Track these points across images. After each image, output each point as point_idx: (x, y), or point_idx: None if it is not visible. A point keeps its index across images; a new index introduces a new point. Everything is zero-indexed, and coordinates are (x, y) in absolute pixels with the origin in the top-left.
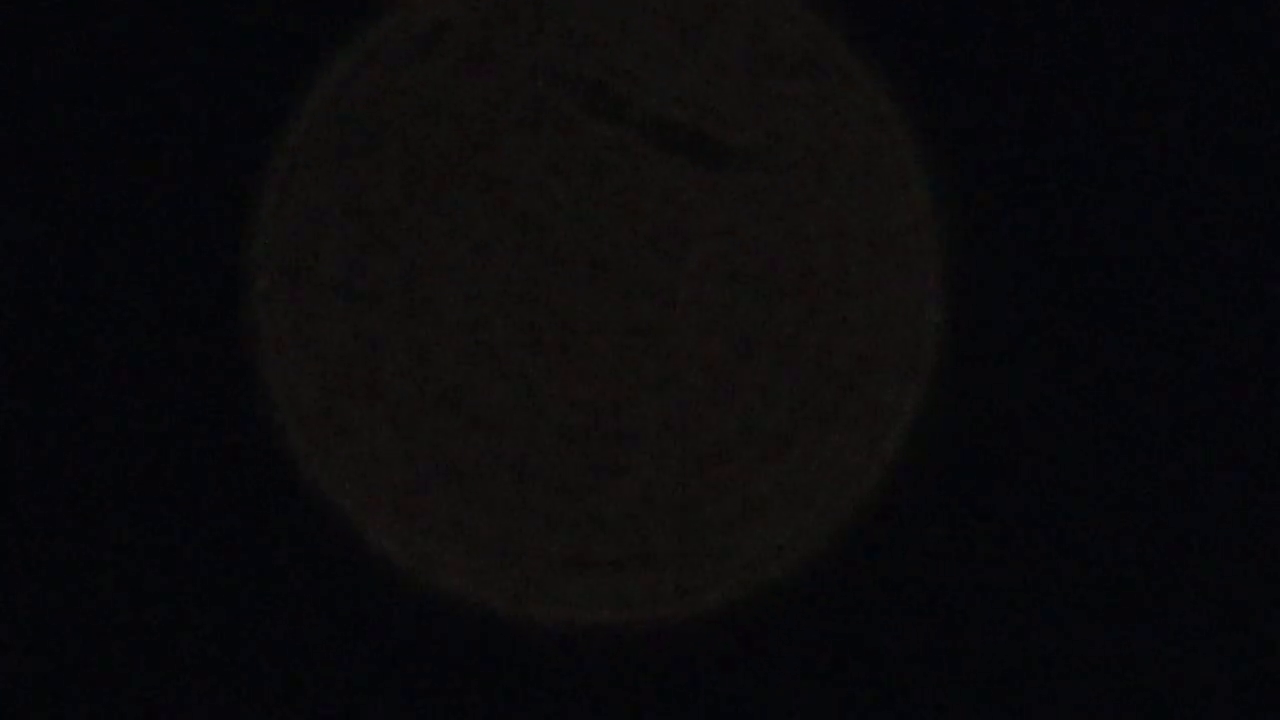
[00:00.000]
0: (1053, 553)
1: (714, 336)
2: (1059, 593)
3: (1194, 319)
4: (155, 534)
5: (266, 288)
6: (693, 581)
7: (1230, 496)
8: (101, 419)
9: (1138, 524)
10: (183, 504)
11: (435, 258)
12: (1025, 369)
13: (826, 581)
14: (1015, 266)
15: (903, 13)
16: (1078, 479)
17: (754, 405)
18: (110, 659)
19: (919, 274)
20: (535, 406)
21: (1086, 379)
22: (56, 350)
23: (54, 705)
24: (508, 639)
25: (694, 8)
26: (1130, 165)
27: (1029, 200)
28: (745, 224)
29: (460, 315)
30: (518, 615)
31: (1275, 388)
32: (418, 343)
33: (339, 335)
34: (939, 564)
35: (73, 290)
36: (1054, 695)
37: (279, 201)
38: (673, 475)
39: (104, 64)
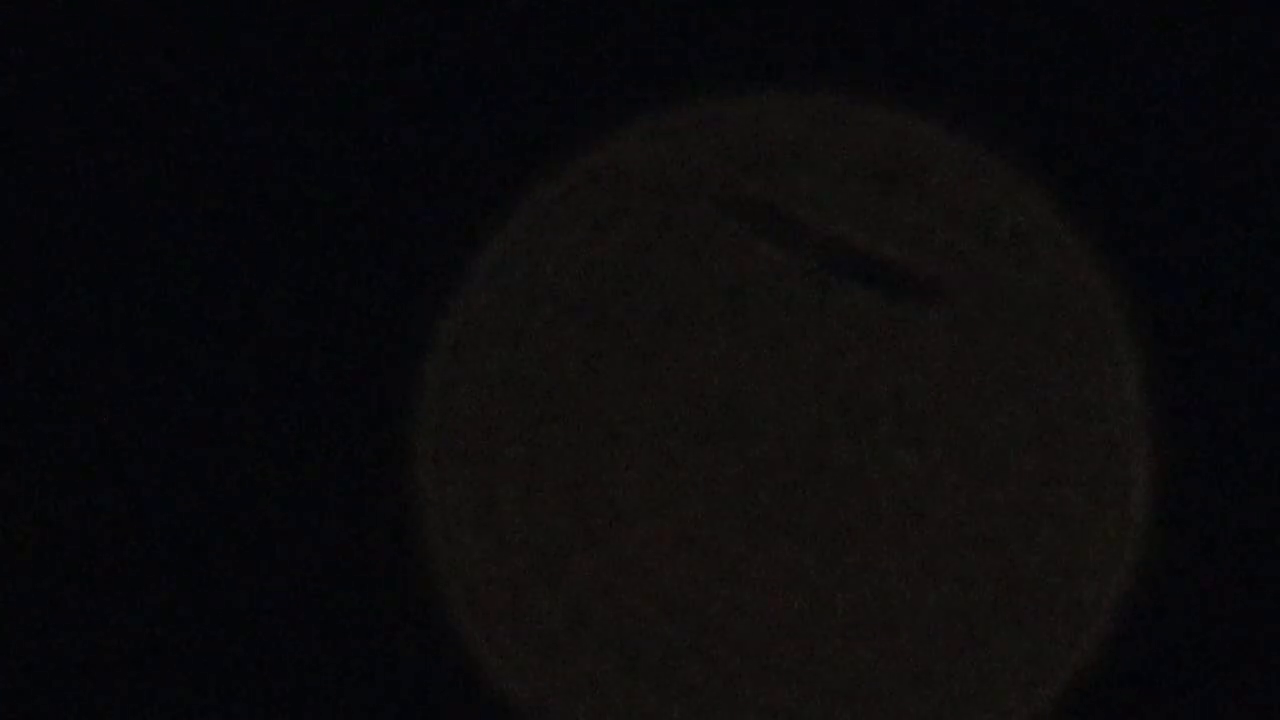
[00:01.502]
0: None
1: (911, 507)
2: None
3: None
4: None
5: (437, 466)
6: None
7: None
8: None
9: None
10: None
11: (613, 432)
12: (1243, 566)
13: None
14: (1231, 454)
15: (1119, 191)
16: None
17: (946, 595)
18: None
19: (1124, 458)
20: (728, 596)
21: None
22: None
23: None
24: None
25: (888, 163)
26: None
27: (1248, 388)
28: (937, 376)
29: (642, 495)
30: None
31: None
32: (596, 525)
33: (514, 518)
34: None
35: (233, 468)
36: None
37: (448, 377)
38: (863, 669)
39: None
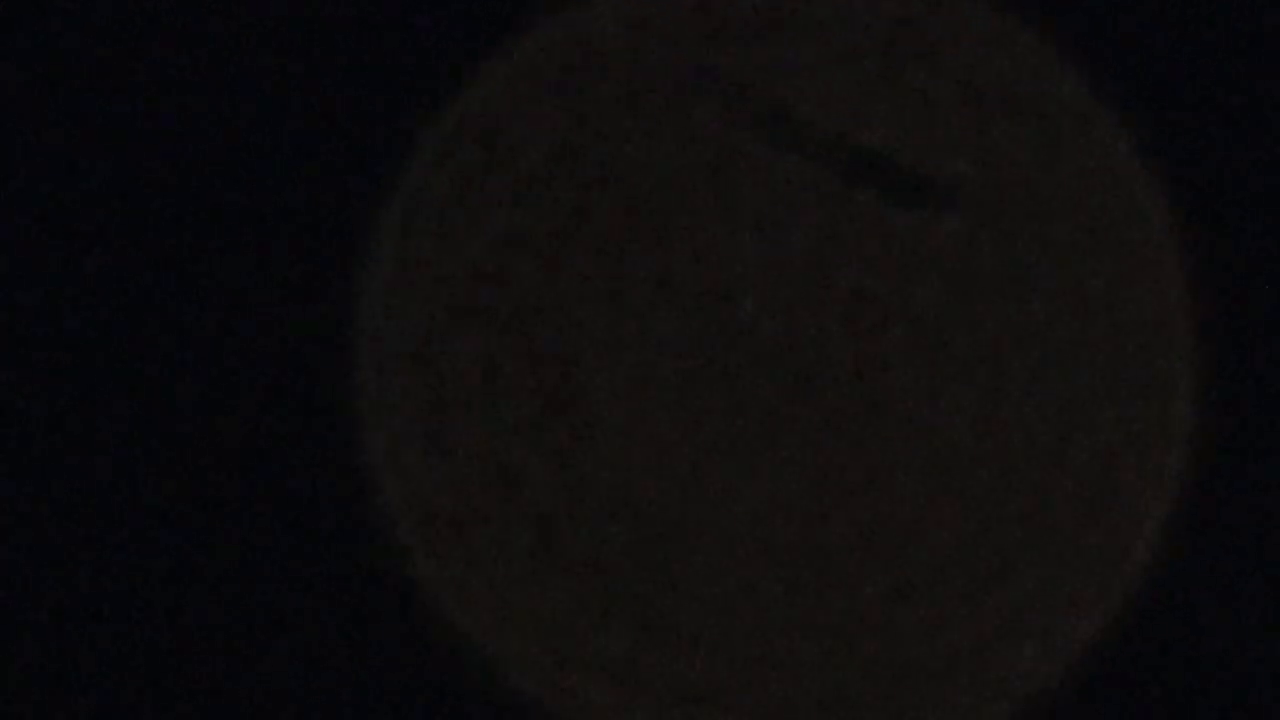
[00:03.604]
0: None
1: (925, 426)
2: None
3: None
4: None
5: (382, 372)
6: None
7: None
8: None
9: None
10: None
11: (581, 332)
12: None
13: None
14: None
15: (1149, 52)
16: None
17: (973, 518)
18: None
19: (1165, 374)
20: (714, 519)
21: None
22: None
23: None
24: None
25: (898, 34)
26: None
27: None
28: (956, 279)
29: (620, 404)
30: None
31: None
32: (562, 438)
33: (470, 431)
34: (1186, 688)
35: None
36: None
37: (394, 268)
38: (880, 607)
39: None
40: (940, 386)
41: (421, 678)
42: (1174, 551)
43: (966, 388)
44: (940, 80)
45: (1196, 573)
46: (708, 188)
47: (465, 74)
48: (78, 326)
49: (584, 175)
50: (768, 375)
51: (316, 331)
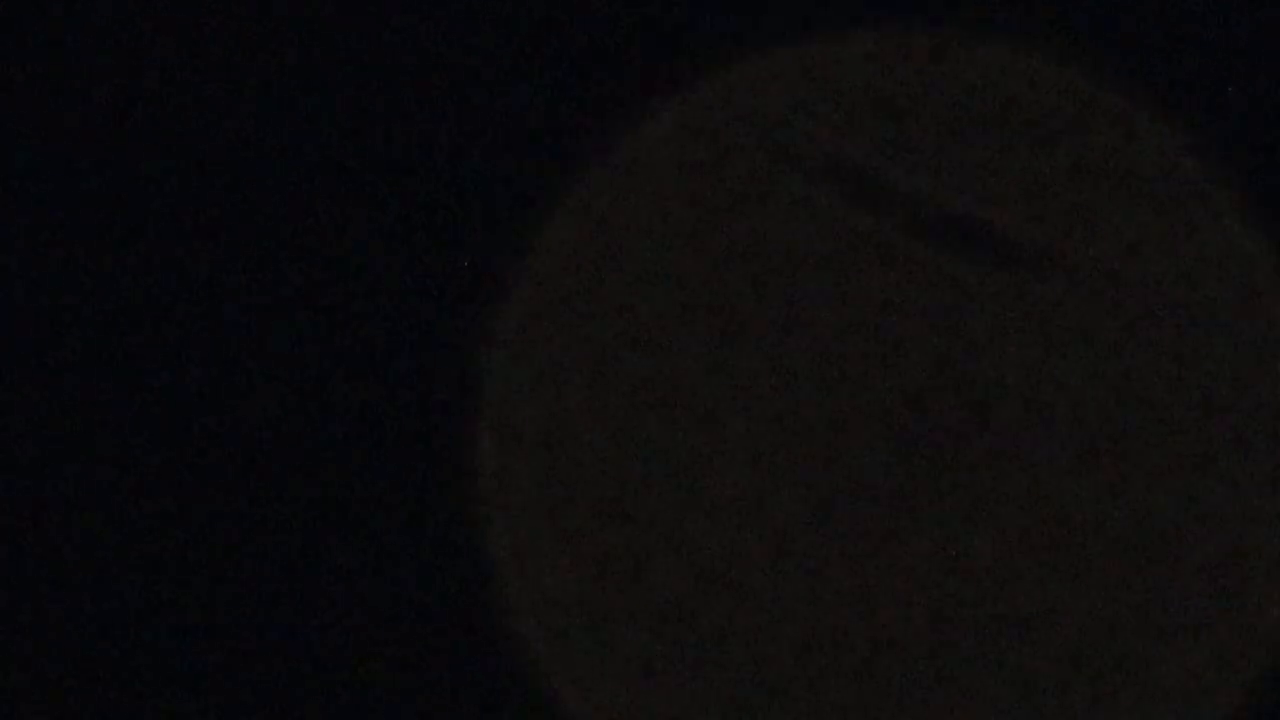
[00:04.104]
0: None
1: (1049, 513)
2: None
3: None
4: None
5: (501, 456)
6: None
7: None
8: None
9: None
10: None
11: (697, 417)
12: None
13: None
14: None
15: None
16: None
17: (1088, 608)
18: None
19: None
20: (838, 611)
21: None
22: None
23: None
24: None
25: (1010, 104)
26: None
27: None
28: (1079, 357)
29: (732, 492)
30: None
31: None
32: (679, 526)
33: (586, 515)
34: None
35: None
36: None
37: (515, 357)
38: (1004, 689)
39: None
40: (1060, 462)
41: None
42: None
43: (1092, 471)
44: (1052, 157)
45: None
46: (824, 268)
47: (586, 158)
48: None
49: (700, 255)
50: (887, 460)
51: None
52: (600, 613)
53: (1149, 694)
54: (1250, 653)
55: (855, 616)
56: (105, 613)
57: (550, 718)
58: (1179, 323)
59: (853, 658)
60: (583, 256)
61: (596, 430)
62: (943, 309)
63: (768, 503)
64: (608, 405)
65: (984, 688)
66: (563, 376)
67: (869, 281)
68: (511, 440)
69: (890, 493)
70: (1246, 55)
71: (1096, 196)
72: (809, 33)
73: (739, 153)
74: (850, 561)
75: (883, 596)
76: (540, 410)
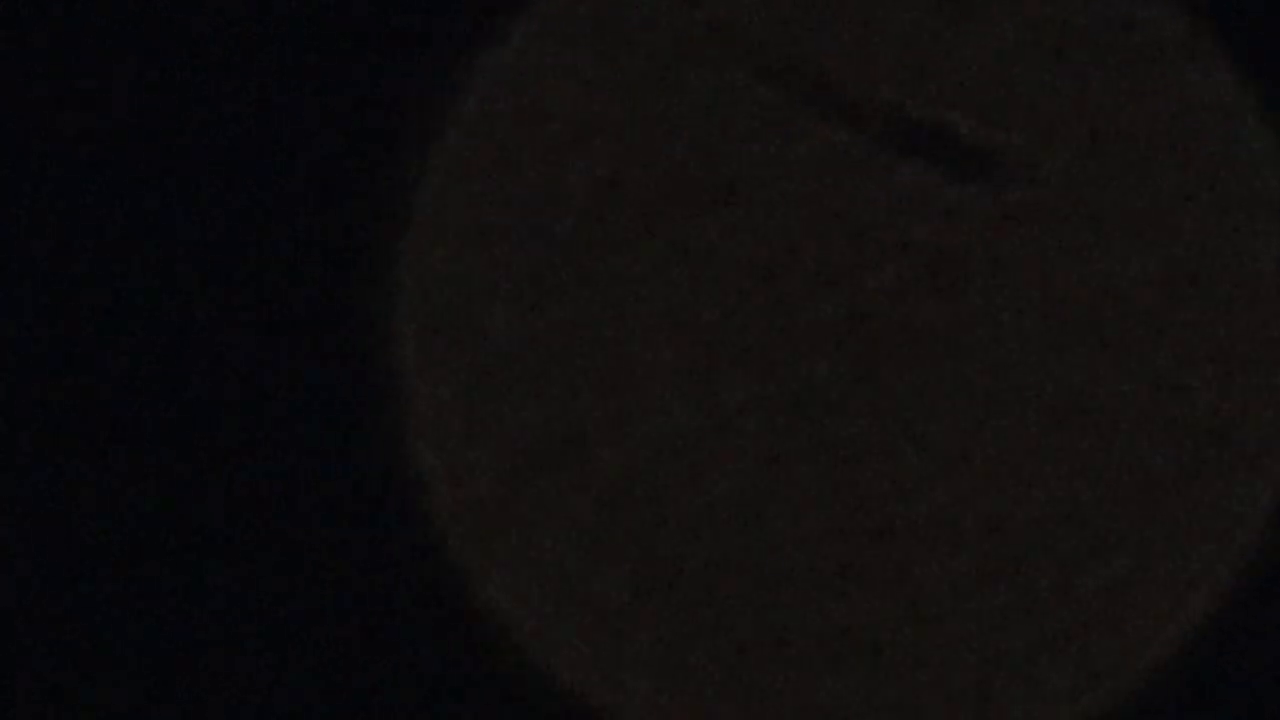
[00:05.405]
0: None
1: (1017, 395)
2: None
3: None
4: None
5: (421, 345)
6: None
7: None
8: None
9: None
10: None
11: (628, 297)
12: None
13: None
14: None
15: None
16: None
17: (1066, 498)
18: None
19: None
20: (782, 496)
21: None
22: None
23: None
24: None
25: None
26: None
27: None
28: (1045, 240)
29: (667, 376)
30: None
31: None
32: (612, 413)
33: (512, 405)
34: None
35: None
36: None
37: (431, 231)
38: (959, 596)
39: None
40: (1032, 352)
41: (461, 668)
42: None
43: (1061, 355)
44: (1005, 33)
45: None
46: (758, 157)
47: (489, 39)
48: (101, 328)
49: (622, 140)
50: (835, 344)
51: (351, 314)
52: (531, 516)
53: (1117, 586)
54: (1236, 535)
55: (805, 503)
56: (71, 615)
57: (485, 624)
58: (1163, 197)
59: (799, 548)
60: (502, 127)
61: (522, 311)
62: (893, 190)
63: (710, 393)
64: (533, 287)
65: (943, 578)
66: (485, 264)
67: (812, 158)
68: (432, 331)
69: (841, 378)
70: None
71: (1056, 72)
72: None
73: (668, 16)
74: (801, 446)
75: (838, 483)
76: (462, 299)
